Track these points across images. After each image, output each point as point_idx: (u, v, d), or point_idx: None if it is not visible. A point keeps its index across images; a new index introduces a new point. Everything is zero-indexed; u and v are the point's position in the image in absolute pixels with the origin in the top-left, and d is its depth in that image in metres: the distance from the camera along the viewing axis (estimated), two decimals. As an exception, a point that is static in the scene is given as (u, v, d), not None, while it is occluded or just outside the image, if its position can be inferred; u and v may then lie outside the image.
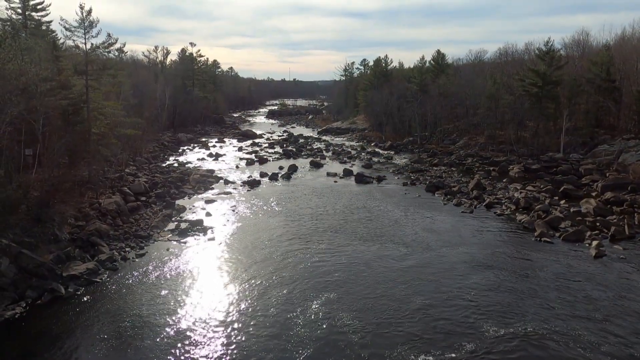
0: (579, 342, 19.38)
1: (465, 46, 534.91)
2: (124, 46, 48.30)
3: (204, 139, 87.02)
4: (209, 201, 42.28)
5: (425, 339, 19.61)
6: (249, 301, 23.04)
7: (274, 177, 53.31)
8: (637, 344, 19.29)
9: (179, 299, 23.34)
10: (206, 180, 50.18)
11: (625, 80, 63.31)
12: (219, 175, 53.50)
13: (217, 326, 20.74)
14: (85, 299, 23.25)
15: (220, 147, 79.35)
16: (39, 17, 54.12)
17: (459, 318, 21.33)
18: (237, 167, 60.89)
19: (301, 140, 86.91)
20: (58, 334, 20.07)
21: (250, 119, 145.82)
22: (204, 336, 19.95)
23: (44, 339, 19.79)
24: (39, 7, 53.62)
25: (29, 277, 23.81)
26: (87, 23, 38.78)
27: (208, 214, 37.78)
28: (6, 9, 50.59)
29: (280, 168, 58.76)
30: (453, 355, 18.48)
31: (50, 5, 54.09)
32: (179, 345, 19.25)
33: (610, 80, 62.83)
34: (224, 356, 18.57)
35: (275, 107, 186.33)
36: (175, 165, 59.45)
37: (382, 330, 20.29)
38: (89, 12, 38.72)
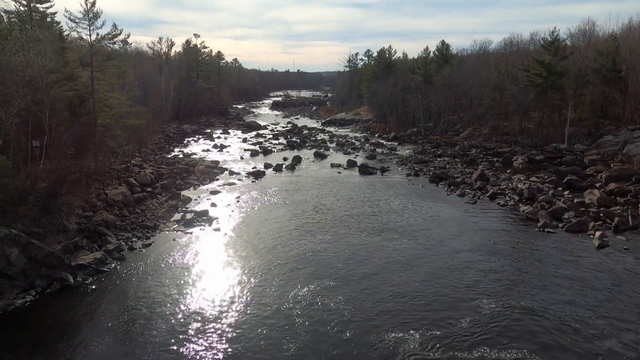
0: (574, 325, 19.69)
1: (469, 36, 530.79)
2: (129, 37, 48.31)
3: (208, 131, 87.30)
4: (214, 192, 42.60)
5: (424, 318, 20.05)
6: (254, 290, 23.38)
7: (278, 168, 53.55)
8: (633, 330, 19.54)
9: (185, 288, 23.70)
10: (211, 171, 50.51)
11: (631, 71, 62.90)
12: (224, 167, 53.81)
13: (223, 315, 21.09)
14: (93, 287, 23.65)
15: (225, 138, 79.59)
16: (44, 9, 54.18)
17: (458, 301, 21.75)
18: (241, 158, 61.16)
19: (305, 132, 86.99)
20: (67, 323, 20.49)
21: (254, 110, 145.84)
22: (211, 324, 20.30)
23: (54, 327, 20.20)
24: (43, -2, 53.66)
25: (38, 267, 24.23)
26: (91, 14, 38.96)
27: (213, 205, 38.11)
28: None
29: (285, 159, 58.97)
30: (449, 331, 18.85)
31: (54, -4, 54.16)
32: (185, 333, 19.62)
33: (616, 71, 62.51)
34: (230, 343, 18.92)
35: (280, 99, 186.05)
36: (181, 156, 59.78)
37: (383, 313, 20.68)
38: (94, 3, 38.90)
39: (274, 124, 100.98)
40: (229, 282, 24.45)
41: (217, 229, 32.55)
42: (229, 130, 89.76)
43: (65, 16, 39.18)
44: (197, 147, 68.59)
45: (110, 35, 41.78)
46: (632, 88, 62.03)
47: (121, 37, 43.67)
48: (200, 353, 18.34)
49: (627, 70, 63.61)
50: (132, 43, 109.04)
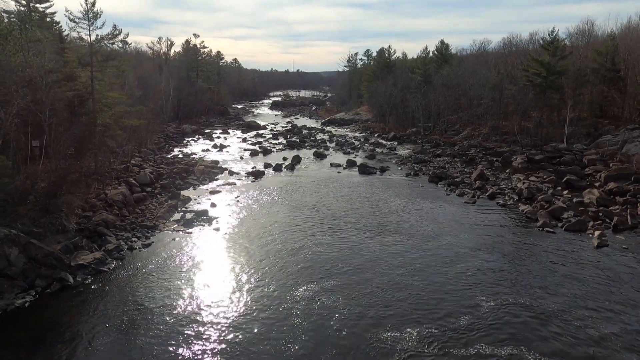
0: (572, 323, 19.76)
1: (469, 36, 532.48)
2: (127, 37, 48.26)
3: (208, 130, 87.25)
4: (213, 192, 42.64)
5: (423, 316, 20.18)
6: (253, 289, 23.42)
7: (277, 168, 53.58)
8: (631, 329, 19.61)
9: (184, 288, 23.74)
10: (211, 171, 50.54)
11: (630, 70, 63.02)
12: (224, 166, 53.84)
13: (222, 314, 21.14)
14: (93, 287, 23.69)
15: (225, 138, 79.60)
16: (44, 9, 54.21)
17: (457, 300, 21.85)
18: (241, 158, 61.19)
19: (305, 131, 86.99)
20: (67, 323, 20.52)
21: (254, 110, 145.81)
22: (210, 324, 20.35)
23: (54, 327, 20.22)
24: (43, -2, 53.67)
25: (38, 267, 24.26)
26: (91, 15, 38.99)
27: (213, 205, 38.15)
28: (12, -1, 50.75)
29: (284, 159, 58.99)
30: (448, 329, 18.92)
31: (54, -4, 54.19)
32: (185, 332, 19.67)
33: (615, 70, 62.56)
34: (229, 343, 18.96)
35: (279, 99, 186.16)
36: (180, 156, 59.79)
37: (382, 311, 20.76)
38: (94, 3, 38.92)
39: (273, 124, 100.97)
40: (228, 281, 24.49)
41: (217, 229, 32.59)
42: (229, 130, 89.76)
43: (66, 16, 39.27)
44: (197, 147, 68.59)
45: (109, 36, 41.80)
46: (631, 88, 62.12)
47: (120, 37, 43.73)
48: (200, 352, 18.39)
49: (626, 70, 63.71)
50: (131, 43, 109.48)
